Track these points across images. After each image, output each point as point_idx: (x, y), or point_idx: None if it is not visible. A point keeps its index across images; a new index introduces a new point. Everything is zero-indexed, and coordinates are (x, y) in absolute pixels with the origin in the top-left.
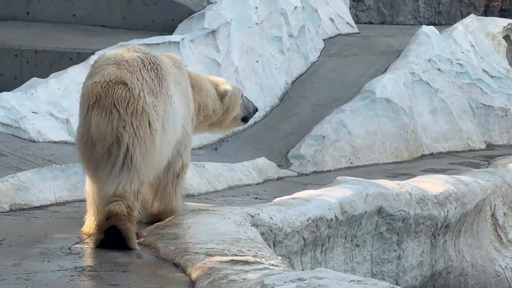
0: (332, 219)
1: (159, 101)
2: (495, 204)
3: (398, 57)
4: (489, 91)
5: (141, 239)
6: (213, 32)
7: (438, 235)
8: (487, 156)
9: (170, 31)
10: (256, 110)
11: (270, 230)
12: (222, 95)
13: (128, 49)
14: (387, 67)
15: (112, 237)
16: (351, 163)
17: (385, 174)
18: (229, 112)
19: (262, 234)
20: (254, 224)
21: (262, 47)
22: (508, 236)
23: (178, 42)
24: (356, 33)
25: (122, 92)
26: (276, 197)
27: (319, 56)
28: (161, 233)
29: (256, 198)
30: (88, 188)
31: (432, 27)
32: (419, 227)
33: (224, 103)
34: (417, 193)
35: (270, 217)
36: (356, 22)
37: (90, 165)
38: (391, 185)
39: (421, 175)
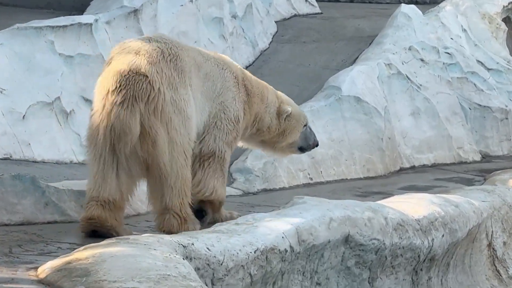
0: (286, 250)
1: (179, 94)
2: (492, 231)
3: (370, 44)
4: (485, 87)
5: (42, 276)
6: (135, 11)
7: (421, 270)
8: (482, 170)
9: (80, 10)
10: (317, 145)
11: (208, 264)
12: (280, 115)
13: (150, 38)
14: (357, 57)
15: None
16: (311, 178)
17: (354, 193)
18: (285, 136)
19: (197, 269)
20: (187, 257)
21: (197, 31)
22: (508, 272)
23: (91, 24)
24: (318, 13)
25: (143, 85)
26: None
27: (270, 42)
28: (68, 268)
29: None
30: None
31: (413, 6)
32: (397, 260)
33: (280, 124)
34: (395, 217)
35: (208, 248)
36: (318, 0)
37: (100, 156)
38: (362, 206)
39: (400, 194)
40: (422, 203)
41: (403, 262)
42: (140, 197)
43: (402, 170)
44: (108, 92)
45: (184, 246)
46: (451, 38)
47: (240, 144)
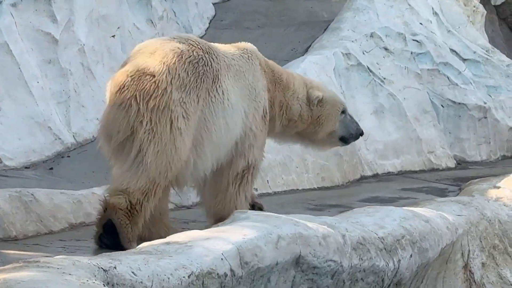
0: (226, 275)
1: (192, 98)
2: (469, 250)
3: (325, 30)
4: (460, 81)
5: None
6: None
7: None
8: (457, 178)
9: None
10: (361, 134)
11: None
12: (310, 101)
13: (173, 38)
14: (310, 46)
15: (108, 232)
16: (256, 189)
17: (307, 206)
18: (320, 124)
19: None
20: (108, 283)
21: (120, 15)
22: None
23: None
24: None
25: (147, 84)
26: (142, 241)
27: (207, 28)
28: None
29: None
30: None
31: None
32: (357, 285)
33: (312, 111)
34: (354, 235)
35: (133, 272)
36: None
37: (109, 157)
38: (316, 222)
39: (360, 207)
40: (386, 217)
41: (365, 287)
42: (53, 213)
43: (363, 178)
44: (112, 94)
45: (105, 270)
46: (420, 23)
47: (277, 141)
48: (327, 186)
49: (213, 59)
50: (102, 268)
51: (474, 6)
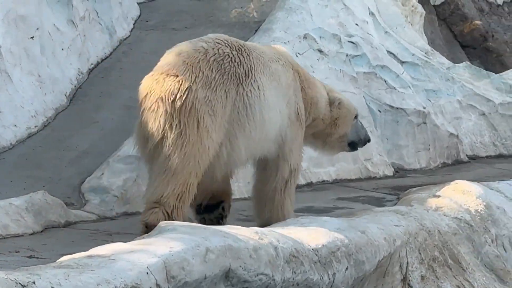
0: None
1: (219, 95)
2: (408, 263)
3: (256, 31)
4: (398, 85)
5: None
6: None
7: None
8: (395, 187)
9: None
10: (369, 140)
11: None
12: (331, 103)
13: (201, 39)
14: None
15: None
16: None
17: (237, 217)
18: (336, 126)
19: None
20: None
21: (40, 16)
22: None
23: None
24: None
25: (171, 84)
26: (62, 255)
27: (131, 29)
28: None
29: (30, 256)
30: None
31: None
32: None
33: (332, 112)
34: (287, 247)
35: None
36: None
37: (145, 163)
38: (246, 234)
39: (293, 218)
40: (321, 228)
41: None
42: None
43: (297, 187)
44: (142, 98)
45: (23, 286)
46: (356, 24)
47: None
48: None
49: (243, 56)
50: (20, 283)
51: (413, 6)
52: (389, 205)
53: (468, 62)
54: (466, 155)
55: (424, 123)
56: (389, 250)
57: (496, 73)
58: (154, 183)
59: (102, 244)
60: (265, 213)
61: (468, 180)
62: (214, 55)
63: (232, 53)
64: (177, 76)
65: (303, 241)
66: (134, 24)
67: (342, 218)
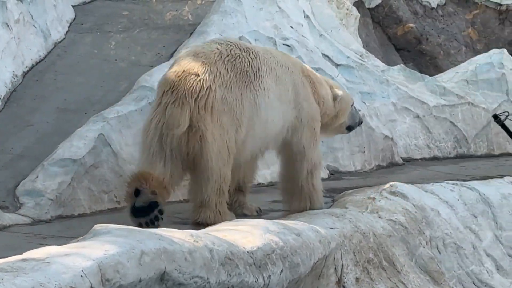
0: None
1: (234, 92)
2: (342, 265)
3: (191, 34)
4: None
5: None
6: None
7: None
8: (330, 189)
9: None
10: (361, 122)
11: None
12: (334, 99)
13: (214, 41)
14: (175, 50)
15: None
16: (118, 202)
17: (173, 219)
18: (338, 117)
19: None
20: None
21: None
22: None
23: None
24: None
25: (193, 83)
26: None
27: (66, 32)
28: None
29: None
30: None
31: None
32: None
33: (335, 107)
34: (222, 249)
35: None
36: None
37: (153, 146)
38: (181, 236)
39: (228, 221)
40: (256, 231)
41: None
42: None
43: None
44: (163, 92)
45: None
46: (291, 27)
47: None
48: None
49: (251, 58)
50: None
51: (347, 9)
52: (324, 207)
53: (403, 65)
54: (401, 157)
55: (359, 125)
56: (324, 252)
57: (430, 76)
58: (194, 187)
59: (37, 248)
60: (294, 203)
61: (402, 182)
62: (228, 55)
63: (242, 54)
64: (198, 75)
65: (238, 243)
66: (69, 27)
67: (277, 221)
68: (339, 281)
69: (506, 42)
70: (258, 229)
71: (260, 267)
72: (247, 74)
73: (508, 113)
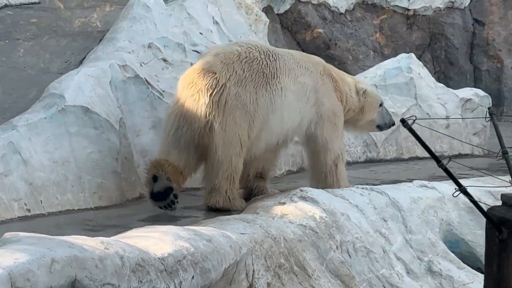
0: None
1: (248, 90)
2: (254, 270)
3: (101, 41)
4: None
5: None
6: None
7: None
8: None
9: None
10: (393, 124)
11: None
12: (358, 92)
13: (235, 43)
14: (84, 57)
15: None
16: (29, 210)
17: (84, 227)
18: (363, 113)
19: None
20: None
21: None
22: None
23: None
24: (35, 3)
25: (210, 80)
26: None
27: None
28: None
29: None
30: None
31: None
32: None
33: (360, 101)
34: (133, 256)
35: None
36: None
37: (170, 136)
38: (92, 244)
39: (140, 227)
40: (166, 237)
41: None
42: None
43: (142, 197)
44: (184, 88)
45: None
46: (200, 33)
47: None
48: (105, 205)
49: (269, 60)
50: None
51: (256, 15)
52: (235, 213)
53: None
54: None
55: None
56: (235, 258)
57: None
58: (207, 174)
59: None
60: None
61: (313, 187)
62: (246, 57)
63: (260, 57)
64: (215, 73)
65: (149, 250)
66: None
67: (188, 227)
68: (250, 286)
69: (413, 47)
70: (169, 236)
71: (171, 273)
72: (263, 74)
73: (416, 117)
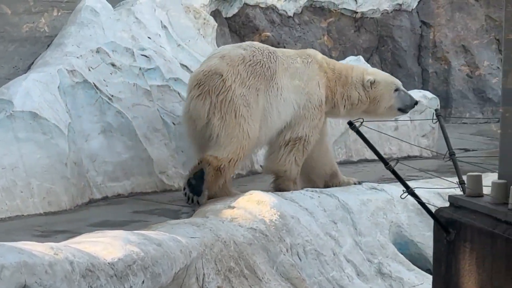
0: None
1: (251, 92)
2: (204, 274)
3: (49, 46)
4: None
5: None
6: None
7: None
8: None
9: None
10: (416, 103)
11: None
12: (363, 84)
13: (240, 45)
14: (32, 63)
15: (197, 178)
16: None
17: (33, 233)
18: (377, 102)
19: None
20: None
21: None
22: None
23: None
24: None
25: (217, 81)
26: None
27: None
28: None
29: None
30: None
31: None
32: None
33: (369, 93)
34: (83, 261)
35: None
36: None
37: (190, 135)
38: (42, 250)
39: (90, 232)
40: (116, 242)
41: None
42: None
43: (92, 202)
44: (192, 87)
45: None
46: (149, 37)
47: (348, 118)
48: (54, 211)
49: (271, 62)
50: None
51: (205, 19)
52: (185, 217)
53: None
54: (260, 165)
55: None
56: (185, 262)
57: None
58: (213, 148)
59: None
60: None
61: (262, 190)
62: (250, 61)
63: (263, 59)
64: (222, 75)
65: (99, 255)
66: None
67: (138, 232)
68: None
69: (362, 49)
70: (118, 240)
71: (121, 278)
72: (265, 77)
73: (363, 119)
